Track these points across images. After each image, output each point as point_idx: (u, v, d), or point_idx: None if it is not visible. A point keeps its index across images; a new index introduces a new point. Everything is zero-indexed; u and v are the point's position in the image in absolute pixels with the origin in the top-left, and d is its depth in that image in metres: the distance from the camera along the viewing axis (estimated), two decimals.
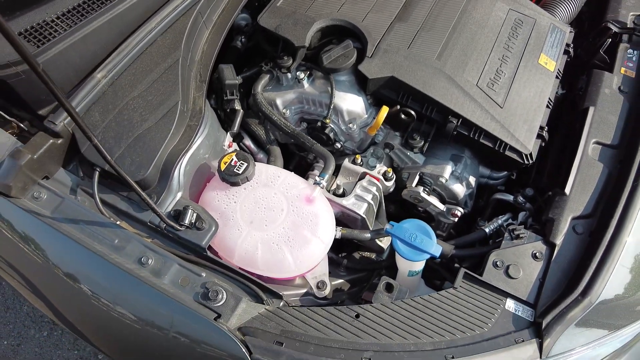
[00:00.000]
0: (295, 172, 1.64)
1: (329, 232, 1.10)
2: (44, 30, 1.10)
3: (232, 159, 1.10)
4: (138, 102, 1.14)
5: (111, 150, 1.09)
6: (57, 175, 1.12)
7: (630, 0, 1.62)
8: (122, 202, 1.09)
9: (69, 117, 1.08)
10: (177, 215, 1.07)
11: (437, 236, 1.48)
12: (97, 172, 1.08)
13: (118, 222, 1.06)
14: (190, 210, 1.06)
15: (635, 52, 1.50)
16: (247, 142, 1.46)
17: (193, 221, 1.06)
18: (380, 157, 1.39)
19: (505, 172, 1.43)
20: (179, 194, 1.11)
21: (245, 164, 1.10)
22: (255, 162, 1.15)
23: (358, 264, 1.35)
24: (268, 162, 1.36)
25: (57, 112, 1.08)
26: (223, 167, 1.10)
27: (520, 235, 1.18)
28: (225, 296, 0.95)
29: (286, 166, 1.58)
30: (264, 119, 1.38)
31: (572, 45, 1.48)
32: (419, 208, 1.41)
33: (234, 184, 1.10)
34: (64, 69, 1.13)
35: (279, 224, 1.08)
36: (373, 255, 1.42)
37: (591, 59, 1.53)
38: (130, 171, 1.07)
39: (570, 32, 1.51)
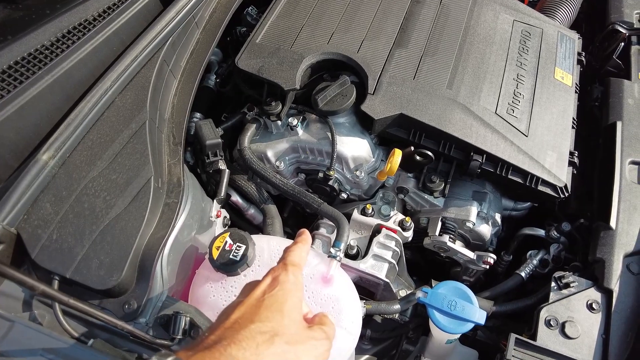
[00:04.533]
0: (291, 221, 1.46)
1: (356, 318, 0.90)
2: None
3: (226, 242, 0.89)
4: (99, 183, 0.90)
5: (72, 252, 0.85)
6: (3, 287, 0.88)
7: None
8: (94, 311, 0.86)
9: (9, 215, 0.86)
10: (166, 322, 0.86)
11: (464, 282, 1.31)
12: (57, 282, 0.85)
13: (90, 342, 0.84)
14: (181, 317, 0.84)
15: None
16: (234, 197, 1.24)
17: (187, 328, 0.84)
18: (391, 201, 1.20)
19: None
20: (164, 294, 0.89)
21: (243, 246, 0.89)
22: (254, 238, 0.94)
23: (383, 331, 1.16)
24: (264, 225, 1.15)
25: None
26: (216, 254, 0.88)
27: (570, 284, 1.02)
28: None
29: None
30: (253, 175, 1.17)
31: (584, 53, 1.35)
32: (441, 254, 1.23)
33: (232, 274, 0.89)
34: None
35: None
36: (396, 316, 1.23)
37: (603, 66, 1.40)
38: (100, 276, 0.84)
39: (579, 38, 1.37)
